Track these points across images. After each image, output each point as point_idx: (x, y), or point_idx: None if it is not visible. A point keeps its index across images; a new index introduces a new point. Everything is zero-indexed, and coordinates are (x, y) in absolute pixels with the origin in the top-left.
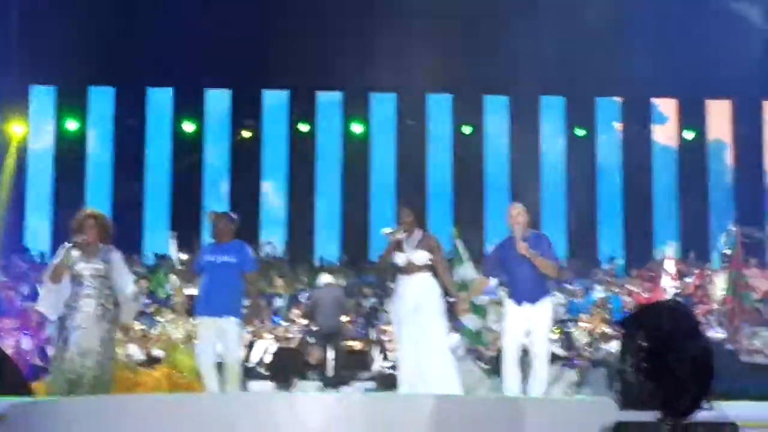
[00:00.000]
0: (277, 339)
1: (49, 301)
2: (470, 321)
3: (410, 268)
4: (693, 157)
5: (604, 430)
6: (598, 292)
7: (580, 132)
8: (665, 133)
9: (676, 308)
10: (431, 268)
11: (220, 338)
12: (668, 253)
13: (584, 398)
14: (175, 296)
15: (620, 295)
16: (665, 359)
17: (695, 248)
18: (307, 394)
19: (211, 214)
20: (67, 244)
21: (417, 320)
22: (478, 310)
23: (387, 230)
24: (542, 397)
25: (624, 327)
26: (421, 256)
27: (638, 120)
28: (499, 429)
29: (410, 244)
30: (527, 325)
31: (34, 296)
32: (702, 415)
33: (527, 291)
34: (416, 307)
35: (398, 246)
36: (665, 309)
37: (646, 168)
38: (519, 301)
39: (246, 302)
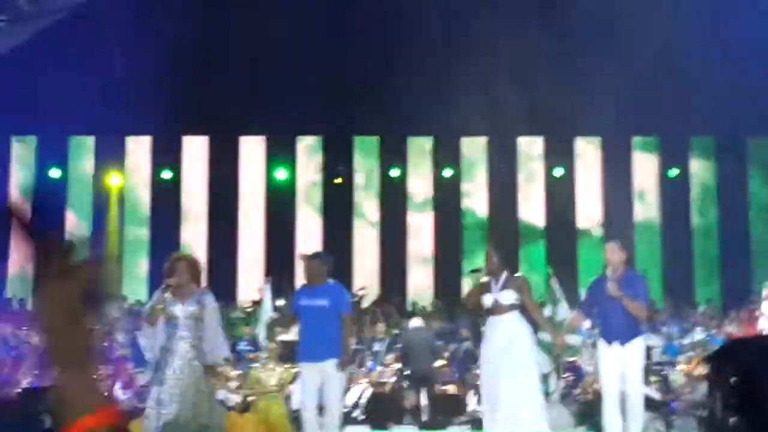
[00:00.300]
0: (372, 384)
1: (146, 345)
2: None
3: (498, 309)
4: None
5: None
6: (697, 334)
7: (673, 172)
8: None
9: (764, 343)
10: (520, 307)
11: (321, 382)
12: (766, 294)
13: None
14: (269, 343)
15: (718, 336)
16: (754, 395)
17: None
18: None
19: (302, 256)
20: (162, 287)
21: (507, 361)
22: (569, 350)
23: (471, 270)
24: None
25: (712, 362)
26: (509, 296)
27: (733, 158)
28: None
29: (497, 285)
30: (620, 366)
31: (130, 344)
32: None
33: (618, 331)
34: (506, 347)
35: (485, 288)
36: (754, 344)
37: (743, 207)
38: (609, 341)
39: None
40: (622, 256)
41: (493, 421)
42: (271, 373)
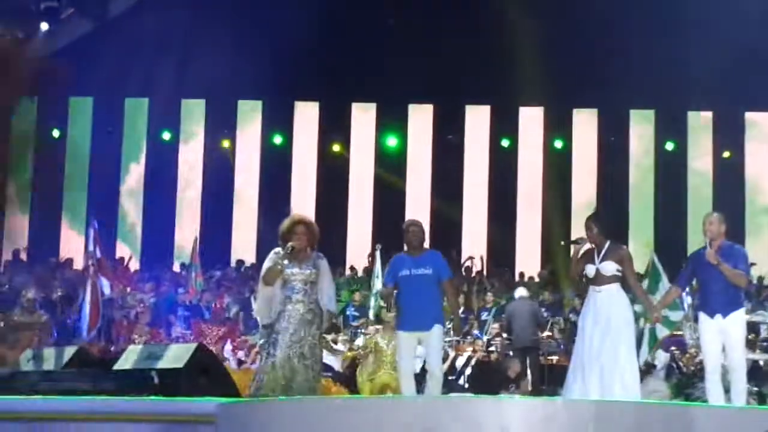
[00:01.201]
0: (477, 352)
1: (261, 307)
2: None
3: (599, 279)
4: None
5: None
6: None
7: None
8: None
9: None
10: (620, 279)
11: (422, 348)
12: None
13: (754, 407)
14: (385, 310)
15: None
16: None
17: None
18: (512, 398)
19: (407, 224)
20: (278, 250)
21: (602, 332)
22: (671, 325)
23: (567, 241)
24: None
25: None
26: (610, 267)
27: None
28: None
29: (599, 256)
30: (721, 339)
31: (243, 307)
32: None
33: (718, 303)
34: (603, 318)
35: (588, 257)
36: None
37: None
38: (711, 314)
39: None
40: (720, 227)
41: (584, 389)
42: (389, 341)
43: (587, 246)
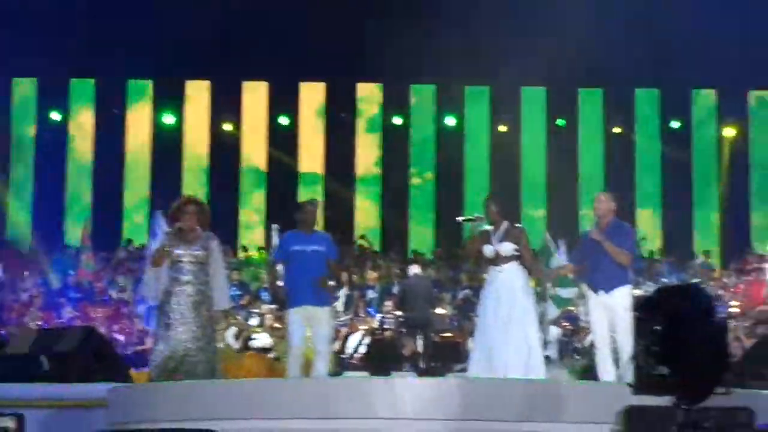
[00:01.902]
0: (371, 331)
1: (148, 287)
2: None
3: (498, 260)
4: None
5: (617, 414)
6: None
7: (675, 124)
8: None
9: (691, 291)
10: (519, 257)
11: (310, 325)
12: None
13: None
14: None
15: (716, 288)
16: (678, 342)
17: None
18: (405, 377)
19: (304, 203)
20: (167, 230)
21: (504, 311)
22: (562, 302)
23: (460, 218)
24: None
25: (639, 311)
26: (508, 247)
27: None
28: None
29: (497, 236)
30: (608, 315)
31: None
32: (718, 400)
33: (603, 279)
34: (503, 297)
35: (486, 238)
36: (680, 291)
37: (743, 161)
38: (596, 290)
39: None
40: (609, 206)
41: (488, 369)
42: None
43: (486, 227)
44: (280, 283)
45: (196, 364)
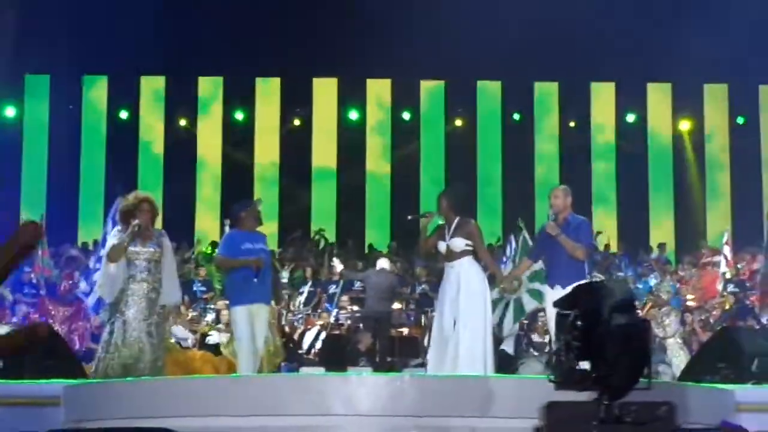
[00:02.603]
0: (327, 326)
1: (104, 284)
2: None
3: (451, 255)
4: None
5: (539, 409)
6: (651, 280)
7: (630, 118)
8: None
9: (609, 286)
10: (473, 253)
11: (255, 323)
12: (726, 239)
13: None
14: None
15: (672, 282)
16: (597, 338)
17: (749, 234)
18: (360, 374)
19: (254, 204)
20: (120, 227)
21: (456, 306)
22: (540, 296)
23: (410, 216)
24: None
25: (559, 307)
26: (459, 243)
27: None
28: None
29: (449, 232)
30: None
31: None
32: (639, 394)
33: (559, 275)
34: (456, 293)
35: (440, 234)
36: (599, 287)
37: (699, 155)
38: (552, 285)
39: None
40: (565, 200)
41: (441, 364)
42: None
43: (440, 222)
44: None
45: (149, 361)
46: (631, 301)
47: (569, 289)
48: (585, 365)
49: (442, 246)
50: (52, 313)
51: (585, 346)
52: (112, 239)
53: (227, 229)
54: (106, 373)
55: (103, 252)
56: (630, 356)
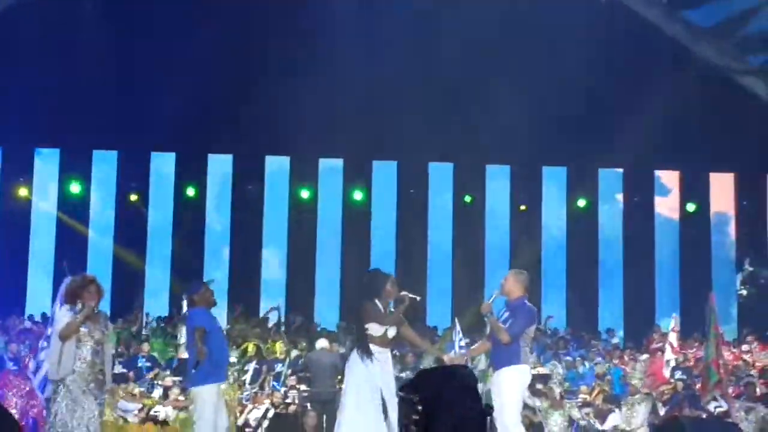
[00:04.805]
0: (275, 405)
1: (53, 362)
2: None
3: (388, 342)
4: (695, 229)
5: None
6: (600, 365)
7: (581, 203)
8: (667, 206)
9: (452, 372)
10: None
11: (219, 401)
12: (672, 326)
13: None
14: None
15: (618, 366)
16: (436, 423)
17: (697, 321)
18: None
19: (207, 284)
20: (74, 308)
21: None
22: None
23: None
24: None
25: (402, 391)
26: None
27: (641, 192)
28: None
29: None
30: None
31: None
32: None
33: (496, 356)
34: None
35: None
36: (441, 373)
37: (649, 240)
38: (492, 367)
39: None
40: (514, 284)
41: None
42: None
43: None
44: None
45: None
46: (473, 389)
47: (503, 371)
48: None
49: (388, 331)
50: (13, 385)
51: (423, 430)
52: (63, 318)
53: (185, 304)
54: None
55: (53, 330)
56: None
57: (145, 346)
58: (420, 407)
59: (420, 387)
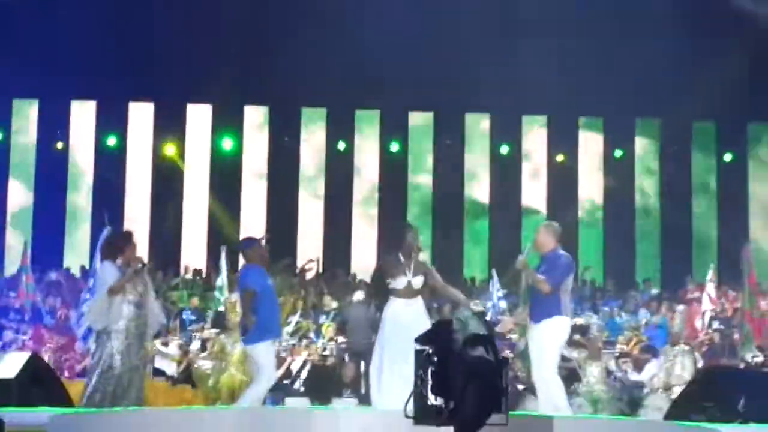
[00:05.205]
0: (313, 356)
1: (98, 314)
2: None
3: (411, 292)
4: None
5: None
6: (643, 315)
7: (618, 153)
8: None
9: (464, 321)
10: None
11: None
12: (710, 276)
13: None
14: (229, 313)
15: (664, 315)
16: (448, 373)
17: (734, 270)
18: (347, 408)
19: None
20: (113, 262)
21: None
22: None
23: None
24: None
25: (419, 343)
26: (419, 281)
27: (679, 142)
28: None
29: (410, 270)
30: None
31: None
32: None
33: (536, 309)
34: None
35: (401, 270)
36: (454, 323)
37: (686, 192)
38: (531, 320)
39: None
40: (545, 238)
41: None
42: (236, 341)
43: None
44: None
45: (136, 392)
46: (484, 336)
47: (544, 323)
48: (438, 400)
49: (412, 282)
50: (45, 340)
51: (438, 381)
52: (110, 272)
53: (223, 256)
54: (95, 402)
55: (96, 283)
56: (477, 390)
57: (195, 300)
58: (434, 358)
59: (433, 338)
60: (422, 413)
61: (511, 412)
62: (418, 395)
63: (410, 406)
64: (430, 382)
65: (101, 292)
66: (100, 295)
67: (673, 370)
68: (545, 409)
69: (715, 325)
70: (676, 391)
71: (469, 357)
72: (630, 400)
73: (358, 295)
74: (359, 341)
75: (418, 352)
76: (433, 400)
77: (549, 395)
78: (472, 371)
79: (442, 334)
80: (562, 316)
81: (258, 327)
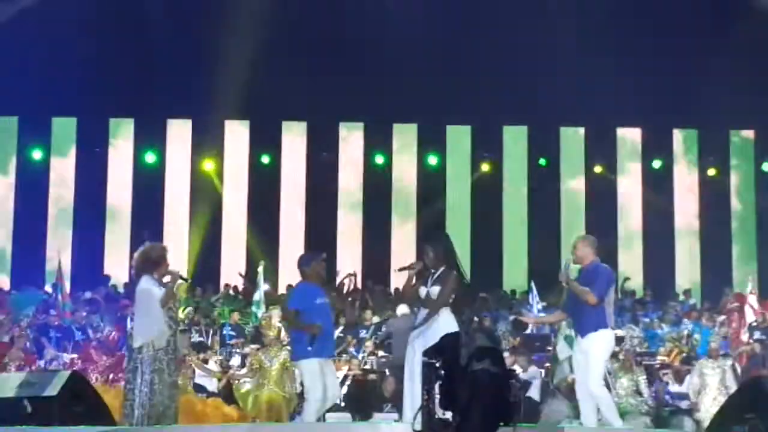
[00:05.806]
0: (355, 370)
1: (147, 328)
2: (561, 350)
3: (428, 302)
4: None
5: None
6: (685, 326)
7: (656, 164)
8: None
9: (472, 335)
10: (449, 304)
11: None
12: (750, 288)
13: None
14: (266, 329)
15: (707, 327)
16: (456, 386)
17: None
18: (389, 423)
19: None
20: (150, 276)
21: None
22: (570, 341)
23: (398, 269)
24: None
25: (427, 356)
26: (437, 291)
27: (715, 153)
28: None
29: (431, 279)
30: (584, 359)
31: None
32: None
33: (578, 324)
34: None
35: (423, 281)
36: (461, 337)
37: (725, 203)
38: (577, 333)
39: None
40: (583, 251)
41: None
42: (274, 357)
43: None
44: None
45: (175, 408)
46: (492, 349)
47: (590, 336)
48: (446, 414)
49: (422, 291)
50: (94, 359)
51: (445, 394)
52: (152, 287)
53: (261, 271)
54: (137, 420)
55: (142, 299)
56: (482, 403)
57: (236, 316)
58: (441, 371)
59: (441, 351)
60: (429, 427)
61: (520, 424)
62: (426, 409)
63: (419, 419)
64: (437, 396)
65: (147, 306)
66: (148, 310)
67: (709, 381)
68: (588, 422)
69: (756, 335)
70: (707, 403)
71: (474, 369)
72: (657, 416)
73: (402, 309)
74: (402, 355)
75: (425, 365)
76: (440, 413)
77: (600, 409)
78: (476, 384)
79: (449, 347)
80: (608, 329)
81: (303, 343)
